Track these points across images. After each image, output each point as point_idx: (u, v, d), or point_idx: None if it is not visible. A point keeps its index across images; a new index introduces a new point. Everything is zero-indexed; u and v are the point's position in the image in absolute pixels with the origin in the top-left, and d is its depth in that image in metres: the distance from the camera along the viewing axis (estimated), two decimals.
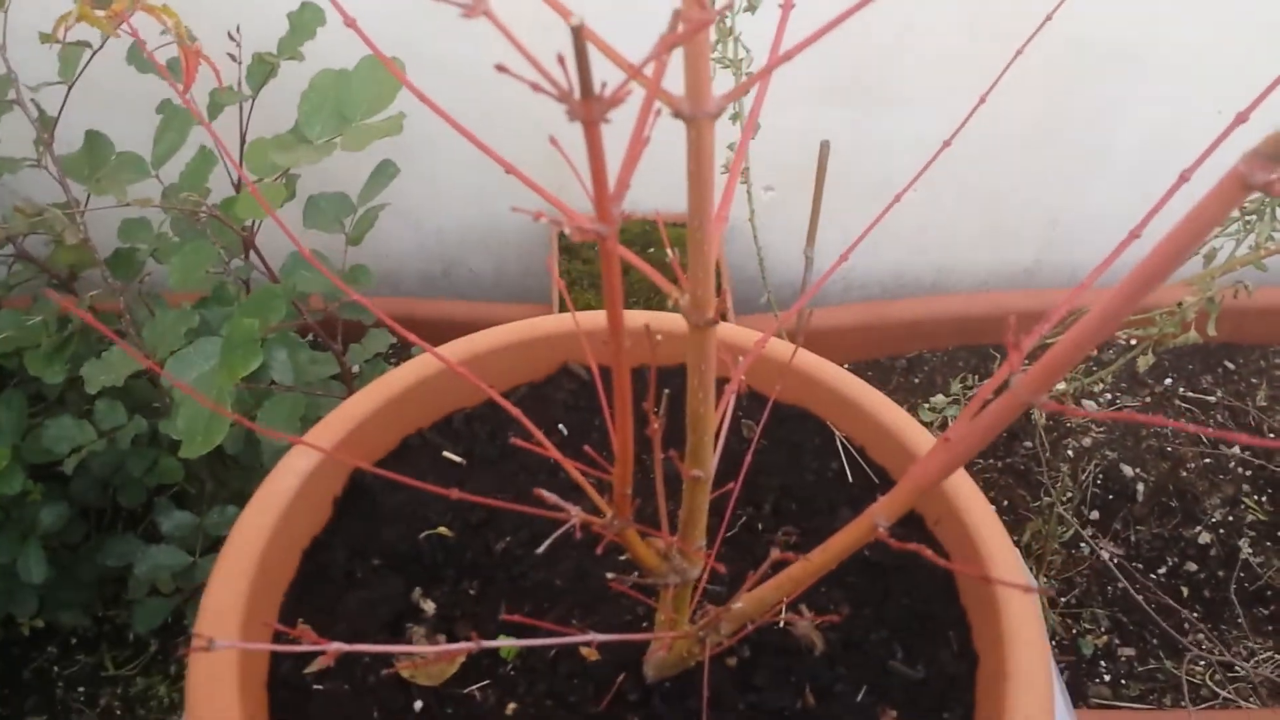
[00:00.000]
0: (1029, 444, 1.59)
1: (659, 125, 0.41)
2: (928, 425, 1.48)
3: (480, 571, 0.67)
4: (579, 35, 0.35)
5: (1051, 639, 1.43)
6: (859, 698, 0.62)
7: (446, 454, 0.71)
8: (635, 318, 0.73)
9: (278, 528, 0.63)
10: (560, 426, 0.74)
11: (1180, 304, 1.15)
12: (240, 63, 1.25)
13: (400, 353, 1.63)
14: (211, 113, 1.26)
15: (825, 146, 1.41)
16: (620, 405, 0.47)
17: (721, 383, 0.56)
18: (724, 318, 1.53)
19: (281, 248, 1.70)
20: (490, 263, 1.76)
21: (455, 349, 0.72)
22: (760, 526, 0.70)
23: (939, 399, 1.13)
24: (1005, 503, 1.53)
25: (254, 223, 1.14)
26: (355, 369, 1.23)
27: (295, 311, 1.09)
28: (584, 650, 0.64)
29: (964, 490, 0.63)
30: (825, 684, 0.62)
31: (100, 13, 0.81)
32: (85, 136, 1.18)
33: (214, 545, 1.25)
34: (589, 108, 0.37)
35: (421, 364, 0.71)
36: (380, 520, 0.68)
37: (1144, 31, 1.52)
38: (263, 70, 1.21)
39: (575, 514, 0.50)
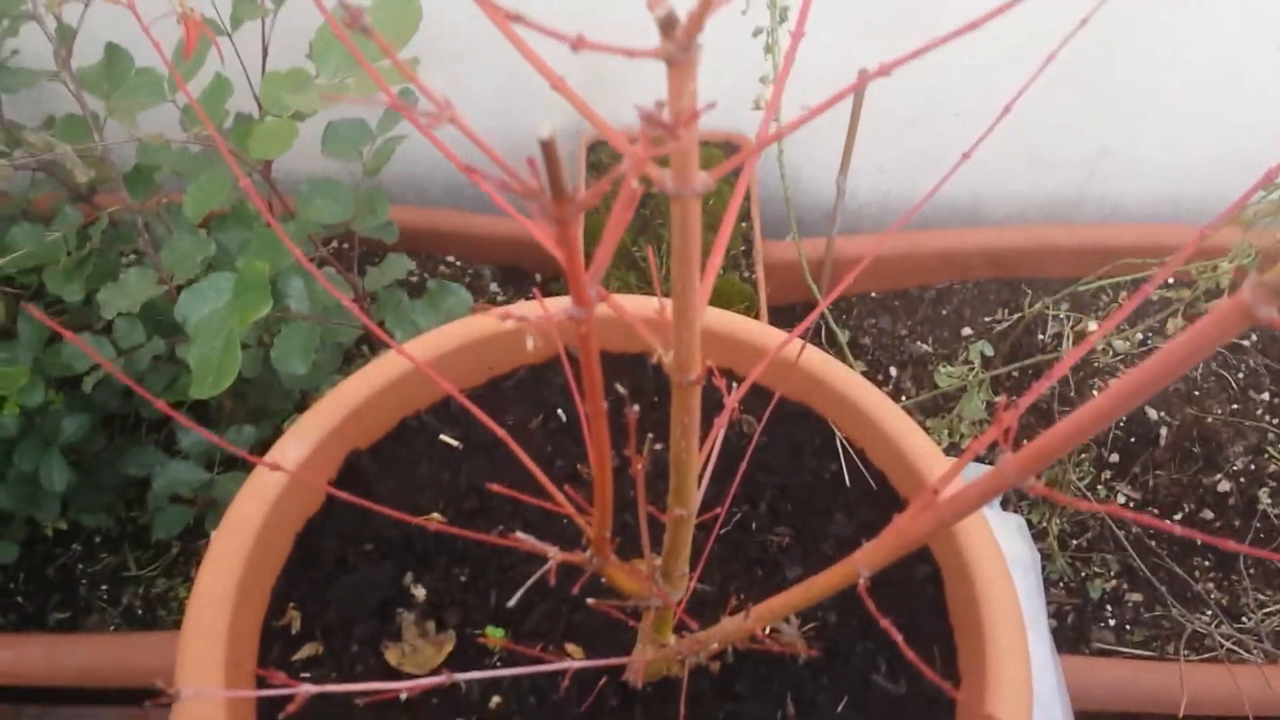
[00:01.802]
0: (1054, 383, 1.57)
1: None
2: (941, 397, 1.47)
3: (471, 559, 0.67)
4: (548, 148, 0.34)
5: (1060, 581, 1.43)
6: (839, 709, 0.62)
7: (443, 438, 0.71)
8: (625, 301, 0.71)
9: (270, 513, 0.64)
10: (559, 411, 0.73)
11: (1216, 267, 1.11)
12: None
13: (417, 288, 1.62)
14: (234, 24, 1.23)
15: (864, 75, 1.36)
16: (597, 459, 0.46)
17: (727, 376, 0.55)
18: (749, 244, 1.50)
19: (298, 171, 1.68)
20: (518, 173, 1.73)
21: (453, 331, 0.71)
22: (755, 525, 0.69)
23: (952, 370, 1.10)
24: (1025, 441, 1.51)
25: None
26: (372, 295, 1.23)
27: (310, 244, 1.08)
28: (569, 648, 0.65)
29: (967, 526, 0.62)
30: (807, 695, 0.63)
31: None
32: (105, 50, 1.15)
33: (231, 462, 1.27)
34: (561, 208, 0.36)
35: (421, 347, 0.70)
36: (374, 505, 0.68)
37: None
38: None
39: (553, 554, 0.50)
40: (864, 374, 1.56)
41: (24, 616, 1.35)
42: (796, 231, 1.44)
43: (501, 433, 0.53)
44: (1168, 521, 1.24)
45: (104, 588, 1.37)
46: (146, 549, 1.40)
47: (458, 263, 1.66)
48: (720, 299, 1.45)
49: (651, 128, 0.34)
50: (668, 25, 0.36)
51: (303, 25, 1.18)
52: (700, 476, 0.52)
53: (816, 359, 0.72)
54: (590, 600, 0.56)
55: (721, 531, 0.69)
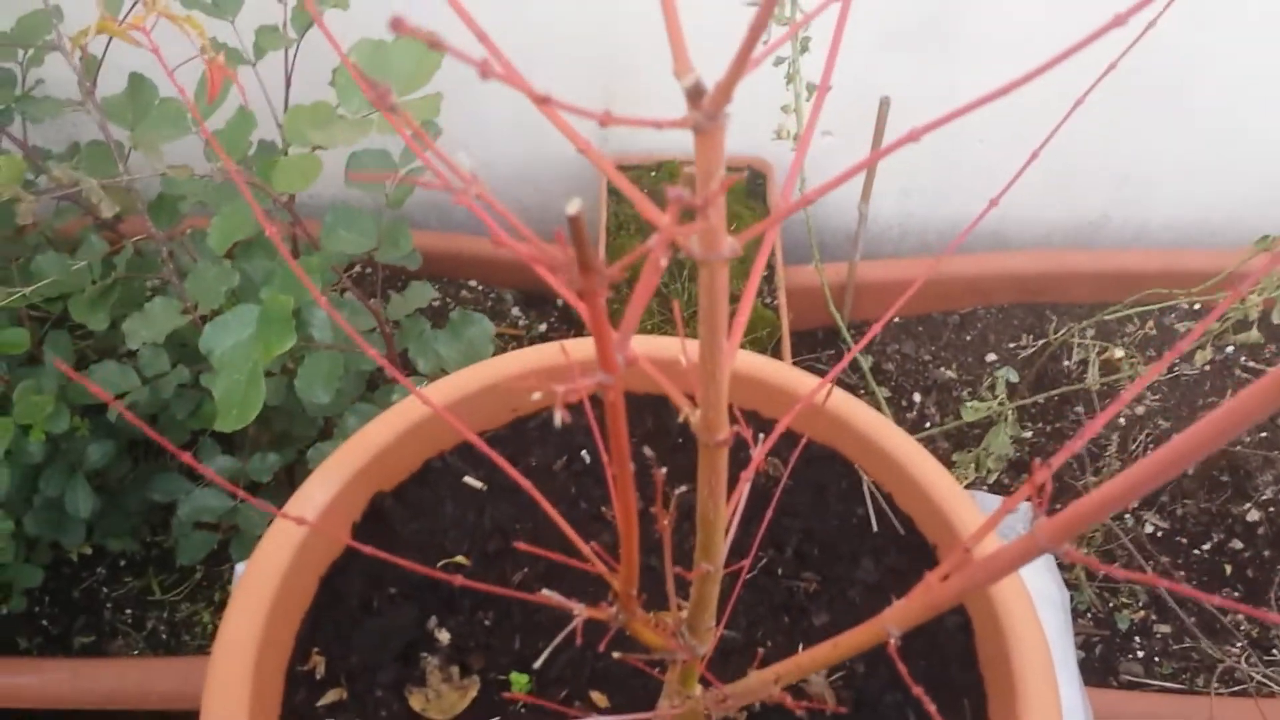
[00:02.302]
0: (1079, 409, 1.56)
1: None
2: (967, 426, 1.46)
3: (496, 603, 0.67)
4: (575, 224, 0.34)
5: (1087, 612, 1.42)
6: None
7: (467, 479, 0.71)
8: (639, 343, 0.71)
9: (296, 557, 0.64)
10: (583, 453, 0.73)
11: (1243, 301, 1.10)
12: (286, 4, 1.22)
13: (439, 313, 1.63)
14: (257, 54, 1.24)
15: (885, 103, 1.36)
16: (624, 520, 0.46)
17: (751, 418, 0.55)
18: (771, 270, 1.50)
19: (321, 194, 1.69)
20: (537, 197, 1.73)
21: (476, 373, 0.71)
22: (781, 571, 0.69)
23: (978, 404, 1.10)
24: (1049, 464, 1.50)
25: None
26: (395, 323, 1.23)
27: (333, 273, 1.09)
28: (594, 695, 0.64)
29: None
30: None
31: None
32: (129, 79, 1.16)
33: (255, 489, 1.27)
34: (589, 280, 0.36)
35: (444, 389, 0.70)
36: (397, 548, 0.68)
37: None
38: (306, 16, 1.18)
39: (579, 611, 0.49)
40: (888, 399, 1.55)
41: (49, 639, 1.35)
42: (819, 258, 1.44)
43: (526, 483, 0.52)
44: (1219, 597, 1.23)
45: (128, 611, 1.38)
46: (171, 573, 1.41)
47: (480, 287, 1.66)
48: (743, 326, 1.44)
49: (680, 205, 0.34)
50: (695, 94, 0.35)
51: (326, 53, 1.19)
52: (726, 530, 0.51)
53: (843, 401, 0.71)
54: (616, 654, 0.56)
55: (748, 577, 0.68)
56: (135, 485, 1.31)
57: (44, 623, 1.36)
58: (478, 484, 0.71)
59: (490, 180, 1.71)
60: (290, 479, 1.34)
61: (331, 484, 0.65)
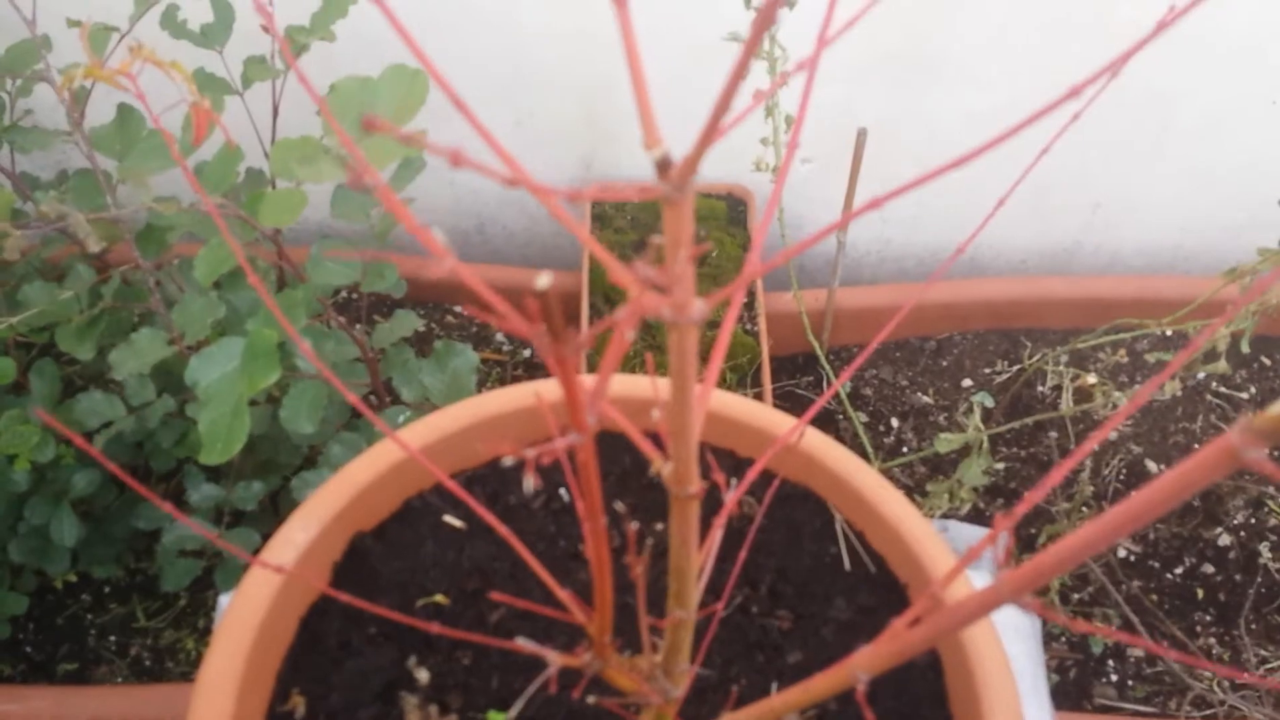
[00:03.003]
0: (1054, 433, 1.58)
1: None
2: (940, 456, 1.48)
3: (474, 642, 0.68)
4: (545, 298, 0.35)
5: (1061, 636, 1.44)
6: None
7: (447, 518, 0.72)
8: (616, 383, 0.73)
9: (276, 598, 0.65)
10: (561, 491, 0.75)
11: (1214, 343, 1.12)
12: (273, 35, 1.24)
13: (425, 339, 1.64)
14: (244, 84, 1.26)
15: (862, 134, 1.38)
16: (598, 571, 0.48)
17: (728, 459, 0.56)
18: (751, 296, 1.52)
19: (308, 219, 1.70)
20: (523, 222, 1.75)
21: (457, 413, 0.73)
22: (755, 609, 0.70)
23: (951, 436, 1.12)
24: (1026, 493, 1.52)
25: None
26: (380, 350, 1.24)
27: (319, 304, 1.10)
28: None
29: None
30: None
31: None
32: (117, 110, 1.17)
33: (239, 519, 1.28)
34: (559, 348, 0.37)
35: (423, 429, 0.72)
36: (377, 588, 0.70)
37: (1207, 16, 1.46)
38: (293, 47, 1.20)
39: (553, 659, 0.51)
40: (866, 424, 1.57)
41: (32, 666, 1.36)
42: (797, 287, 1.46)
43: (505, 530, 0.54)
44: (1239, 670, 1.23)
45: (112, 638, 1.38)
46: (155, 599, 1.42)
47: (464, 313, 1.67)
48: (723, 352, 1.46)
49: (648, 280, 0.36)
50: (663, 166, 0.37)
51: (314, 82, 1.21)
52: (700, 574, 0.53)
53: (817, 441, 0.73)
54: (591, 699, 0.58)
55: (723, 615, 0.70)
56: (120, 513, 1.32)
57: (28, 650, 1.36)
58: (458, 523, 0.73)
59: (477, 205, 1.73)
60: (275, 506, 1.35)
61: (312, 525, 0.67)
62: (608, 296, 1.52)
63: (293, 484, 1.17)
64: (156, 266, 1.19)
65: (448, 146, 0.35)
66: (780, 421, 0.73)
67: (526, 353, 1.64)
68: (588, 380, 0.40)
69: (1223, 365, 1.10)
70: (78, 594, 1.41)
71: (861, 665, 0.52)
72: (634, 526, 0.46)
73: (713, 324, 1.50)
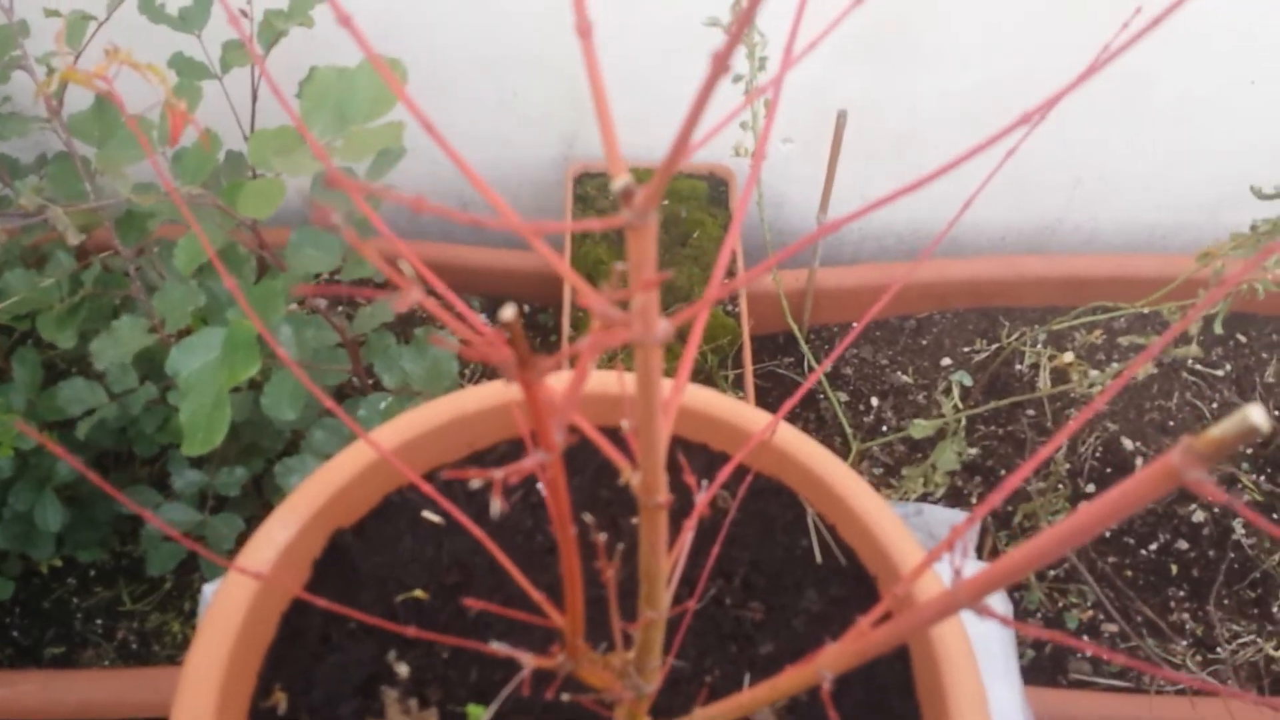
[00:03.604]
0: (1031, 412, 1.60)
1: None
2: (914, 440, 1.49)
3: (453, 634, 0.70)
4: (512, 327, 0.36)
5: (1037, 612, 1.46)
6: None
7: (426, 514, 0.73)
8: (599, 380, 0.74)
9: (257, 595, 0.66)
10: (539, 486, 0.76)
11: (1187, 333, 1.14)
12: (252, 19, 1.24)
13: (406, 321, 1.64)
14: (223, 68, 1.25)
15: (842, 116, 1.38)
16: (569, 577, 0.49)
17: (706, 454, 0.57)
18: (732, 273, 1.53)
19: (287, 204, 1.69)
20: (505, 200, 1.75)
21: (435, 409, 0.73)
22: (728, 600, 0.72)
23: (924, 422, 1.13)
24: (1003, 471, 1.54)
25: None
26: (361, 338, 1.25)
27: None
28: None
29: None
30: None
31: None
32: (95, 98, 1.17)
33: (223, 504, 1.29)
34: (526, 376, 0.38)
35: (401, 426, 0.73)
36: (357, 583, 0.71)
37: None
38: (271, 32, 1.20)
39: (527, 661, 0.52)
40: (846, 404, 1.59)
41: (19, 650, 1.37)
42: (776, 269, 1.47)
43: (479, 532, 0.55)
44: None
45: (99, 622, 1.39)
46: (141, 582, 1.43)
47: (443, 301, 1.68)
48: (704, 333, 1.47)
49: (611, 316, 0.37)
50: (627, 195, 0.38)
51: (294, 66, 1.21)
52: (670, 575, 0.54)
53: (790, 436, 0.74)
54: (565, 696, 0.59)
55: (697, 608, 0.71)
56: (104, 497, 1.32)
57: (14, 634, 1.37)
58: (436, 518, 0.74)
59: (459, 184, 1.73)
60: (258, 489, 1.36)
61: (291, 524, 0.68)
62: (589, 276, 1.53)
63: (276, 469, 1.18)
64: (137, 253, 1.19)
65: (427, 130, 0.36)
66: (753, 417, 0.74)
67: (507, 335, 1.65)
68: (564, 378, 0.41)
69: (1194, 349, 1.12)
70: (63, 578, 1.42)
71: (827, 664, 0.53)
72: (602, 538, 0.47)
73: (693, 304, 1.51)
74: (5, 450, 1.20)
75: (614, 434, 0.77)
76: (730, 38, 0.32)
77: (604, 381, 0.74)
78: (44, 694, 1.26)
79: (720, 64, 0.33)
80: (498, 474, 0.40)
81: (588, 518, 0.71)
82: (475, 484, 0.55)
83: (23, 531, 1.27)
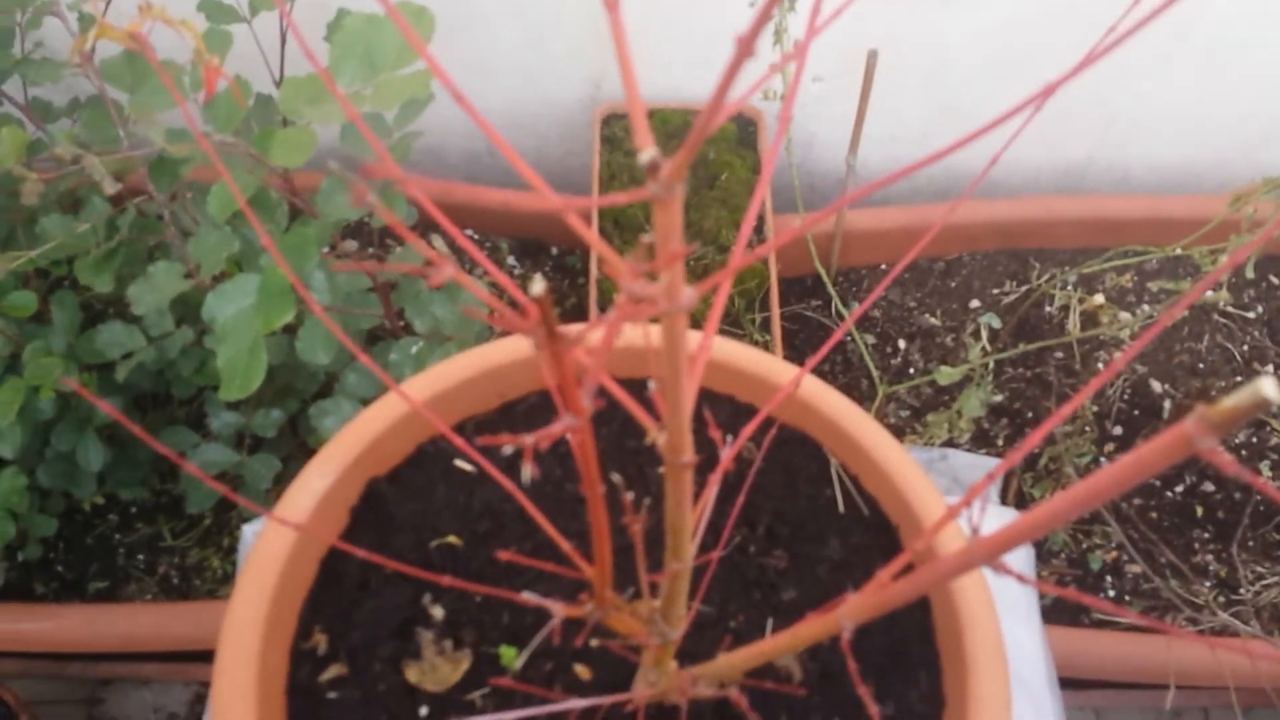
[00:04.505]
0: (1060, 355, 1.60)
1: None
2: (941, 384, 1.49)
3: (486, 580, 0.72)
4: (541, 302, 0.37)
5: (1061, 553, 1.48)
6: None
7: (458, 463, 0.75)
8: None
9: (297, 541, 0.68)
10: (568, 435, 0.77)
11: (1214, 261, 1.13)
12: None
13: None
14: (251, 12, 1.26)
15: (873, 56, 1.37)
16: (598, 532, 0.50)
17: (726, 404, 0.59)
18: (761, 220, 1.53)
19: (320, 153, 1.70)
20: (533, 142, 1.75)
21: (466, 361, 0.75)
22: (753, 549, 0.73)
23: (949, 369, 1.13)
24: (1030, 414, 1.55)
25: None
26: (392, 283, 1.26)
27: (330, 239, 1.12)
28: (578, 669, 0.69)
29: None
30: (800, 714, 0.67)
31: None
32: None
33: (259, 445, 1.31)
34: (554, 345, 0.39)
35: (433, 378, 0.74)
36: (393, 529, 0.73)
37: None
38: None
39: (557, 610, 0.54)
40: (873, 347, 1.59)
41: (65, 585, 1.41)
42: (802, 210, 1.46)
43: (509, 484, 0.57)
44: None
45: (140, 557, 1.43)
46: (180, 519, 1.46)
47: (475, 236, 1.69)
48: (731, 277, 1.48)
49: (636, 296, 0.38)
50: (652, 168, 0.39)
51: (323, 6, 1.21)
52: (695, 528, 0.56)
53: (815, 388, 0.75)
54: (595, 641, 0.61)
55: (722, 555, 0.73)
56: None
57: (59, 569, 1.42)
58: (468, 467, 0.75)
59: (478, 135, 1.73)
60: (294, 430, 1.38)
61: (329, 473, 0.70)
62: (617, 221, 1.53)
63: (311, 411, 1.20)
64: (170, 198, 1.20)
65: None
66: (779, 369, 0.75)
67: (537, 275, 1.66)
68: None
69: (1224, 295, 1.11)
70: (105, 515, 1.46)
71: (847, 614, 0.54)
72: (629, 497, 0.49)
73: (722, 249, 1.51)
74: (47, 392, 1.22)
75: (641, 386, 0.79)
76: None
77: (631, 335, 0.75)
78: (88, 627, 1.31)
79: (746, 47, 0.33)
80: (528, 440, 0.41)
81: (616, 477, 0.72)
82: (506, 451, 0.56)
83: (65, 470, 1.30)
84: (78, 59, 1.15)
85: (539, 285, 0.37)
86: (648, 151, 0.38)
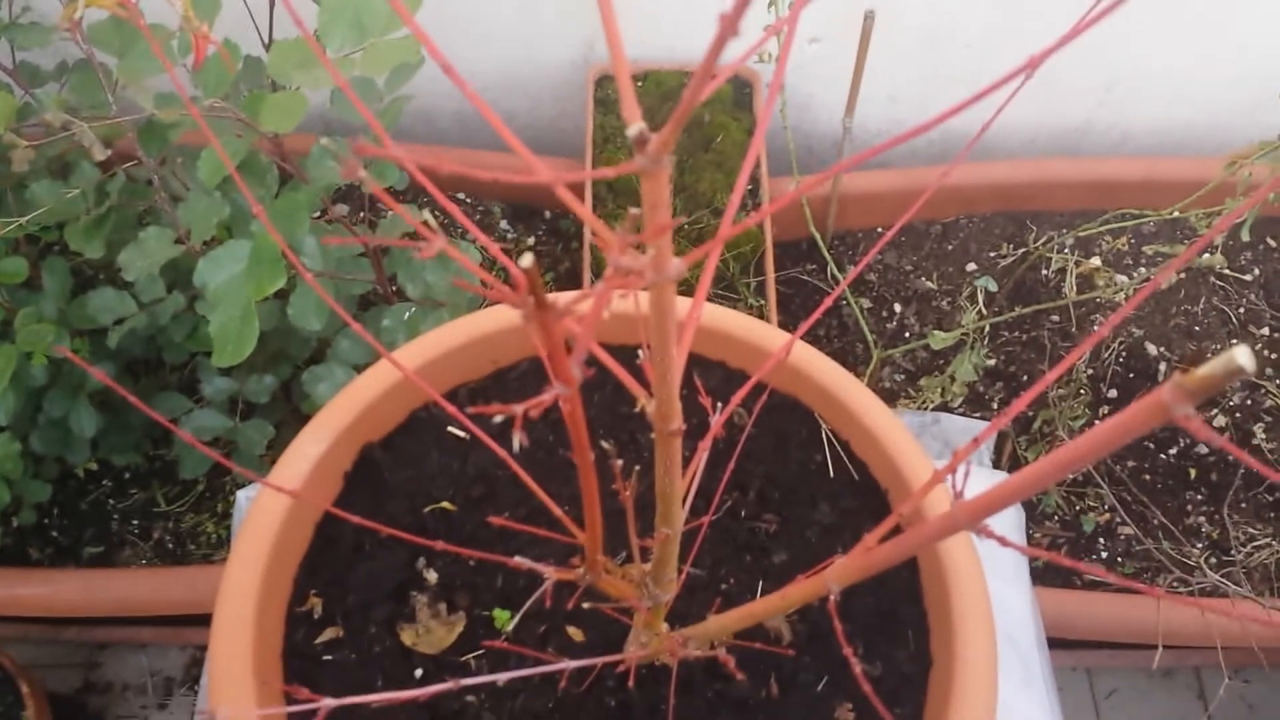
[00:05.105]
0: (1056, 318, 1.60)
1: None
2: (933, 351, 1.49)
3: (479, 544, 0.72)
4: (530, 274, 0.37)
5: (1054, 515, 1.48)
6: (819, 689, 0.67)
7: (451, 429, 0.75)
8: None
9: (291, 508, 0.68)
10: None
11: (1209, 225, 1.13)
12: None
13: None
14: None
15: (869, 16, 1.36)
16: (588, 498, 0.50)
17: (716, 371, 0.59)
18: (756, 184, 1.52)
19: (309, 118, 1.69)
20: (526, 104, 1.74)
21: (458, 328, 0.75)
22: (744, 512, 0.74)
23: (942, 334, 1.13)
24: (1025, 377, 1.55)
25: None
26: (384, 249, 1.26)
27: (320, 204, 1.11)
28: (570, 631, 0.70)
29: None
30: (789, 674, 0.68)
31: None
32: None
33: (252, 410, 1.31)
34: (543, 317, 0.39)
35: (426, 345, 0.74)
36: (387, 495, 0.73)
37: None
38: None
39: (549, 574, 0.54)
40: (869, 310, 1.59)
41: (60, 550, 1.42)
42: (797, 173, 1.46)
43: (501, 451, 0.57)
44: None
45: (135, 522, 1.44)
46: (174, 484, 1.46)
47: (468, 200, 1.68)
48: (726, 241, 1.47)
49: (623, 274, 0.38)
50: (640, 141, 0.39)
51: None
52: (685, 495, 0.56)
53: (806, 354, 0.75)
54: (586, 604, 0.61)
55: (713, 519, 0.73)
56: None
57: (54, 535, 1.42)
58: (461, 433, 0.75)
59: (480, 92, 1.72)
60: (287, 395, 1.38)
61: (323, 439, 0.70)
62: (610, 185, 1.53)
63: (304, 376, 1.20)
64: (160, 163, 1.20)
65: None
66: (770, 335, 0.75)
67: (530, 240, 1.65)
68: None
69: (1218, 258, 1.11)
70: (99, 480, 1.46)
71: (834, 578, 0.55)
72: (619, 464, 0.49)
73: (716, 212, 1.51)
74: (39, 358, 1.22)
75: (633, 352, 0.79)
76: None
77: (621, 302, 0.74)
78: (85, 592, 1.31)
79: (731, 25, 0.33)
80: (518, 409, 0.41)
81: (607, 445, 0.72)
82: (499, 419, 0.56)
83: (59, 436, 1.30)
84: (67, 25, 1.14)
85: (528, 259, 0.37)
86: (635, 125, 0.38)
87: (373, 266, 1.22)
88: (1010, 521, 0.98)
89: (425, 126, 1.78)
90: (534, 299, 0.38)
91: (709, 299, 1.38)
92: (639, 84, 1.64)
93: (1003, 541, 0.49)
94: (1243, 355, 0.32)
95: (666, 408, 0.48)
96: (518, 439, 0.40)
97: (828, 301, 0.60)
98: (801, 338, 0.69)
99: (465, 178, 1.64)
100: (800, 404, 0.77)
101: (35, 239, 1.49)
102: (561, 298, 0.46)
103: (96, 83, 1.16)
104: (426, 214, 0.44)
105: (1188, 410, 0.36)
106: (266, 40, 1.33)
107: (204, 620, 0.67)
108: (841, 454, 0.75)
